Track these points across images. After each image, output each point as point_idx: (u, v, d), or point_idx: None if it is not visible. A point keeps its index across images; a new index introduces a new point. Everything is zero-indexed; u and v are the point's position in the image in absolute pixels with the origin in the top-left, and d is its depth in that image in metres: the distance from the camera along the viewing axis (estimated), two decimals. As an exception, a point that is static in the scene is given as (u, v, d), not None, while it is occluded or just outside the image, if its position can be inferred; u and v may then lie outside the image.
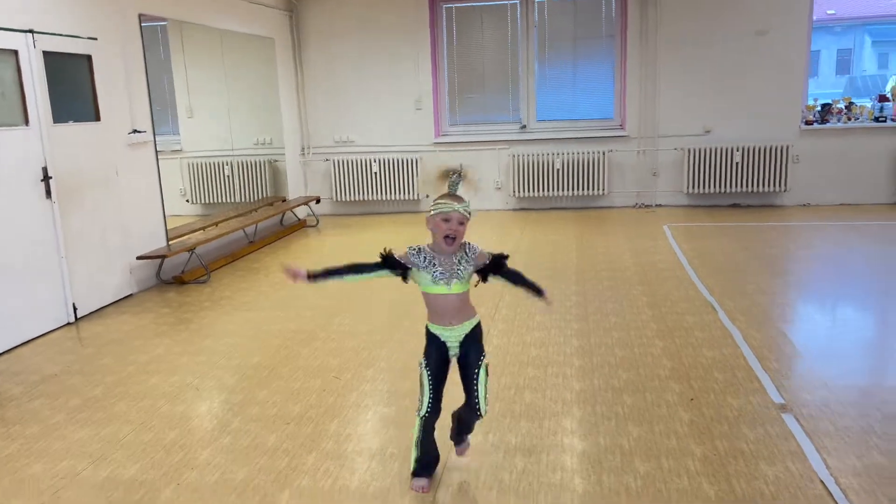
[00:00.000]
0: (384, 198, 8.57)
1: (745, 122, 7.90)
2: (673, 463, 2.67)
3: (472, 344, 2.49)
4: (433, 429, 2.57)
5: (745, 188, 7.93)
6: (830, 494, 2.41)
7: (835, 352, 3.75)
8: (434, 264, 2.40)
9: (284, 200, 8.15)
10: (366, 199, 8.60)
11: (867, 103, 8.02)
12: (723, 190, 7.99)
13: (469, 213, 2.39)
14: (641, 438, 2.86)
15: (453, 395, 2.61)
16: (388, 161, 8.45)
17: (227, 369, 3.79)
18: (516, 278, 2.54)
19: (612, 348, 3.84)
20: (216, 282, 5.70)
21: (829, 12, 28.82)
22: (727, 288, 4.87)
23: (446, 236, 2.36)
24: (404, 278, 2.46)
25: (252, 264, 6.31)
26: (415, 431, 2.56)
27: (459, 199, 2.41)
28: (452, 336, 2.47)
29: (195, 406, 3.37)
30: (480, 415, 2.53)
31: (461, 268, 2.41)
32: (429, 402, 2.49)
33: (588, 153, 8.14)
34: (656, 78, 8.00)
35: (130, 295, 5.36)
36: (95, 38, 5.00)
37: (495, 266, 2.45)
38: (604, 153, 8.13)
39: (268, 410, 3.27)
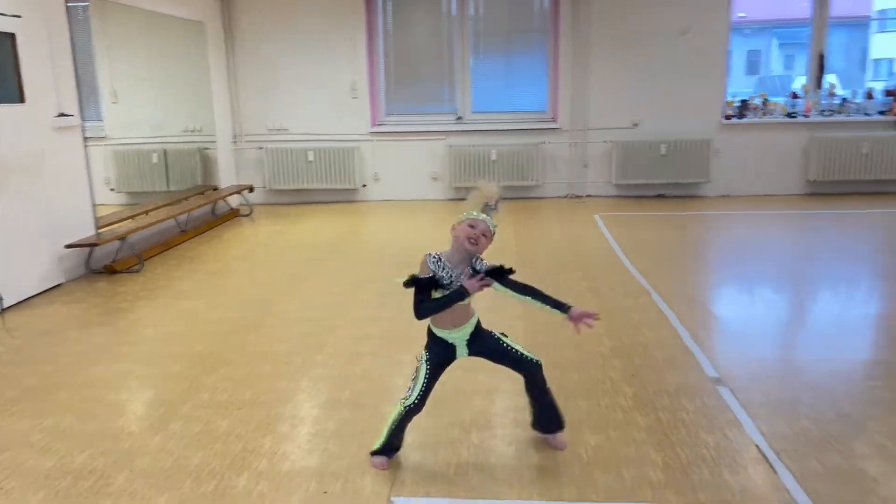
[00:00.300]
0: (320, 186, 8.48)
1: (670, 116, 8.24)
2: (620, 434, 2.81)
3: (479, 336, 2.56)
4: (409, 422, 2.60)
5: (670, 179, 8.28)
6: (765, 457, 2.60)
7: (759, 329, 4.01)
8: (453, 279, 2.42)
9: (216, 189, 7.96)
10: (301, 187, 8.50)
11: (780, 100, 8.51)
12: (649, 181, 8.31)
13: (494, 230, 2.47)
14: (589, 412, 2.99)
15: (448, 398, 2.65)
16: (324, 149, 8.37)
17: (171, 357, 3.70)
18: (526, 290, 2.55)
19: (556, 329, 3.96)
20: (150, 271, 5.53)
21: (739, 14, 30.30)
22: (658, 272, 5.10)
23: (469, 238, 2.39)
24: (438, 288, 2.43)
25: (186, 253, 6.15)
26: (393, 416, 2.58)
27: (490, 212, 2.48)
28: (461, 336, 2.52)
29: (141, 394, 3.29)
30: (537, 361, 2.58)
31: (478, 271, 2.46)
32: (418, 395, 2.52)
33: (522, 145, 8.31)
34: (587, 73, 8.24)
35: (59, 285, 5.14)
36: (19, 16, 4.76)
37: (497, 274, 2.48)
38: (537, 145, 8.31)
39: (218, 396, 3.23)
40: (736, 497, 2.37)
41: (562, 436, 2.71)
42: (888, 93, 8.31)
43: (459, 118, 8.59)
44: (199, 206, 7.03)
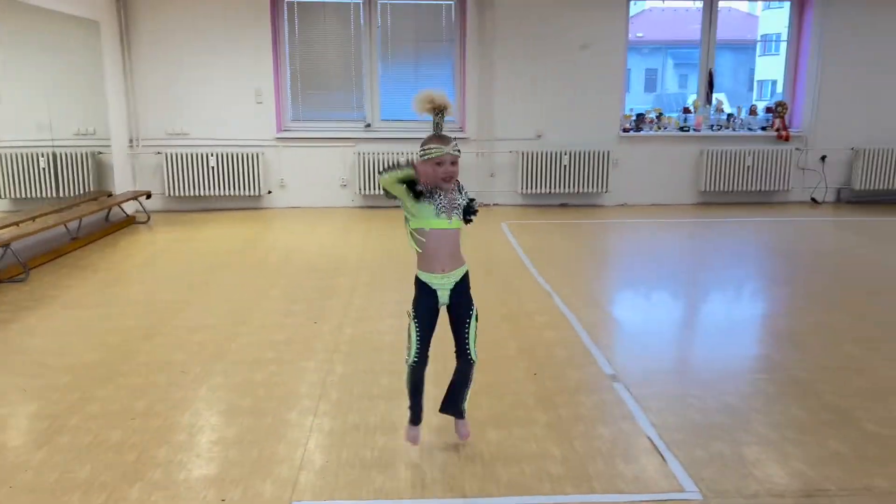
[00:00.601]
0: (223, 193, 8.24)
1: (572, 128, 8.54)
2: (522, 430, 2.88)
3: (463, 293, 2.56)
4: (423, 378, 2.60)
5: (572, 189, 8.57)
6: (656, 448, 2.73)
7: (653, 329, 4.21)
8: (438, 196, 2.44)
9: (110, 195, 7.59)
10: (202, 194, 8.23)
11: (674, 115, 8.99)
12: (553, 190, 8.57)
13: (459, 151, 2.47)
14: (493, 410, 3.05)
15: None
16: (227, 155, 8.15)
17: (58, 368, 3.50)
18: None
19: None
20: (37, 280, 5.21)
21: (637, 35, 31.78)
22: (561, 276, 5.26)
23: (442, 178, 2.41)
24: (417, 196, 2.43)
25: (78, 261, 5.83)
26: (406, 381, 2.62)
27: (446, 139, 2.46)
28: (445, 283, 2.53)
29: (24, 406, 3.09)
30: (472, 360, 2.59)
31: (460, 202, 2.50)
32: (416, 351, 2.53)
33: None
34: (493, 84, 8.42)
35: (-70, 295, 4.76)
36: None
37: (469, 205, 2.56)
38: (445, 153, 8.39)
39: (109, 407, 3.08)
40: (629, 485, 2.48)
41: (465, 426, 2.75)
42: (769, 109, 8.94)
43: (368, 125, 8.58)
44: (91, 212, 6.68)
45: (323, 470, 2.58)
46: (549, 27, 8.32)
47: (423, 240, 2.51)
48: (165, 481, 2.50)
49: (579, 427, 2.90)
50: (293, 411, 3.05)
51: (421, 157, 2.45)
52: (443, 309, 2.60)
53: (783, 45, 9.13)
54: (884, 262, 5.87)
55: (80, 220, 6.55)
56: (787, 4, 8.90)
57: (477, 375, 3.37)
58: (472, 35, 8.29)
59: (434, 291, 2.56)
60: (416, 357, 2.55)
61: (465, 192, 2.59)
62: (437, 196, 2.46)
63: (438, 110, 2.50)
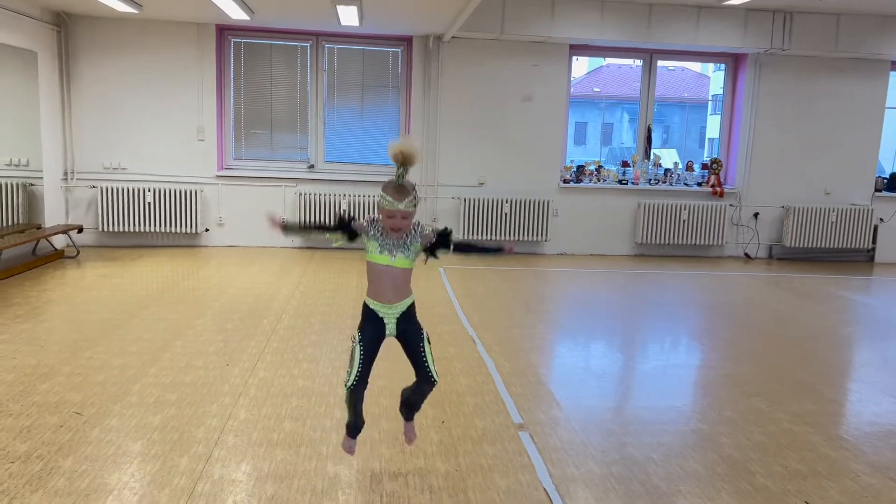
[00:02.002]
0: (159, 230, 8.09)
1: (513, 177, 8.68)
2: (419, 480, 2.82)
3: (410, 320, 2.68)
4: (361, 397, 2.73)
5: (512, 236, 8.65)
6: (550, 499, 2.70)
7: (571, 378, 4.22)
8: (384, 235, 2.56)
9: (39, 227, 7.38)
10: (137, 230, 8.06)
11: (613, 168, 9.21)
12: (493, 237, 8.64)
13: (414, 206, 2.53)
14: (392, 460, 2.99)
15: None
16: (165, 191, 8.03)
17: (-59, 407, 3.32)
18: (469, 248, 2.79)
19: (376, 379, 3.96)
20: (-58, 313, 4.99)
21: (595, 89, 32.80)
22: (488, 323, 5.26)
23: (391, 228, 2.54)
24: (351, 238, 2.64)
25: (-9, 295, 5.61)
26: (346, 399, 2.74)
27: (403, 192, 2.50)
28: (390, 313, 2.64)
29: None
30: (434, 381, 2.73)
31: (407, 243, 2.58)
32: (356, 375, 2.62)
33: (372, 197, 8.40)
34: (437, 131, 8.53)
35: None
36: None
37: (442, 239, 2.66)
38: (388, 197, 8.41)
39: (-12, 450, 2.92)
40: (516, 539, 2.43)
41: (413, 429, 2.95)
42: (704, 166, 9.23)
43: (311, 166, 8.58)
44: (15, 244, 6.47)
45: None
46: (493, 78, 8.50)
47: (369, 272, 2.64)
48: (31, 530, 2.37)
49: (477, 477, 2.86)
50: (184, 457, 2.94)
51: (379, 201, 2.56)
52: (396, 343, 2.72)
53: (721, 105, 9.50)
54: (802, 317, 6.03)
55: (1, 252, 6.33)
56: (723, 66, 9.30)
57: (381, 423, 3.35)
58: (418, 82, 8.43)
59: (381, 319, 2.65)
60: (355, 380, 2.63)
61: (422, 229, 2.64)
62: (384, 235, 2.57)
63: (403, 163, 2.53)
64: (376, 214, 2.60)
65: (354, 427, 2.81)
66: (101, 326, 4.80)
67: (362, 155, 8.75)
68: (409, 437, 2.97)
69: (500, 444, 3.18)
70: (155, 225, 8.06)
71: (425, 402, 2.93)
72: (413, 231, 2.60)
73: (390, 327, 2.65)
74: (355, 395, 2.70)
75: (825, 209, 8.98)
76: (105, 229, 8.00)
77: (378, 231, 2.57)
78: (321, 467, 2.90)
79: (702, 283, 7.49)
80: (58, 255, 7.38)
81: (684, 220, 8.87)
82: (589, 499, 2.72)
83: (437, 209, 8.67)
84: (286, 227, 2.75)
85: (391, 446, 3.11)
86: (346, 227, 2.64)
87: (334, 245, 2.73)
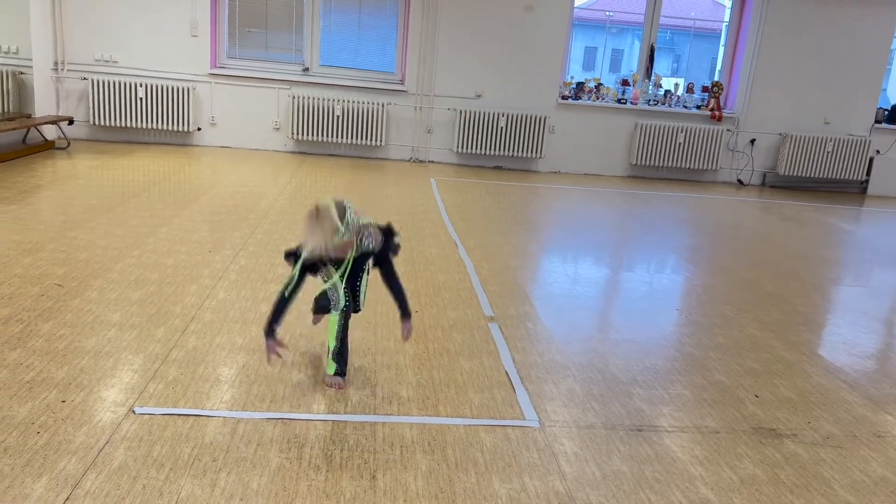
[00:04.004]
0: (150, 126, 8.03)
1: (511, 91, 8.55)
2: (386, 359, 2.92)
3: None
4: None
5: (507, 152, 8.61)
6: (510, 381, 2.81)
7: (546, 281, 4.30)
8: (326, 265, 2.60)
9: (29, 117, 7.32)
10: (128, 125, 7.99)
11: (612, 86, 9.07)
12: (488, 152, 8.60)
13: (347, 236, 2.46)
14: (364, 340, 3.09)
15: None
16: (157, 87, 7.92)
17: (-74, 273, 3.40)
18: (395, 287, 2.71)
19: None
20: (-71, 192, 5.02)
21: (607, 13, 31.83)
22: (473, 230, 5.31)
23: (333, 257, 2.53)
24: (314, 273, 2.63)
25: (-20, 178, 5.63)
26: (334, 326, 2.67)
27: (335, 233, 2.43)
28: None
29: None
30: (344, 309, 2.66)
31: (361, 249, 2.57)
32: (345, 300, 2.64)
33: (368, 103, 8.30)
34: (436, 39, 8.35)
35: None
36: None
37: (385, 251, 2.67)
38: (383, 105, 8.33)
39: (-30, 312, 3.01)
40: (473, 411, 2.55)
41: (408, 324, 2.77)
42: (705, 89, 9.09)
43: (306, 69, 8.43)
44: (5, 130, 6.43)
45: (174, 382, 2.59)
46: (495, -14, 8.26)
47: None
48: (8, 381, 2.47)
49: (443, 359, 2.96)
50: (161, 328, 3.04)
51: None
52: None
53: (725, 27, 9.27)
54: (785, 239, 6.09)
55: (-10, 137, 6.30)
56: (733, -14, 9.03)
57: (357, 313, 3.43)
58: (418, -14, 8.18)
59: None
60: (346, 303, 2.66)
61: (373, 242, 2.60)
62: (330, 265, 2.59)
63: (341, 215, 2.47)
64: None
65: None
66: (88, 211, 4.84)
67: (358, 60, 8.59)
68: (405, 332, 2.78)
69: (468, 332, 3.27)
70: (147, 121, 7.99)
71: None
72: (361, 240, 2.54)
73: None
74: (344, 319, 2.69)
75: (822, 138, 8.90)
76: (96, 123, 7.93)
77: (327, 265, 2.58)
78: (293, 343, 2.99)
79: (692, 205, 7.51)
80: (48, 146, 7.35)
81: (680, 143, 8.80)
82: (547, 382, 2.82)
83: (432, 120, 8.58)
84: (272, 329, 2.52)
85: (365, 329, 3.20)
86: (304, 266, 2.53)
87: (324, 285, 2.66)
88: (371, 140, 8.39)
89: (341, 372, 2.68)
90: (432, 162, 8.69)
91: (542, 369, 2.94)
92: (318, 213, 2.44)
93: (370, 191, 6.53)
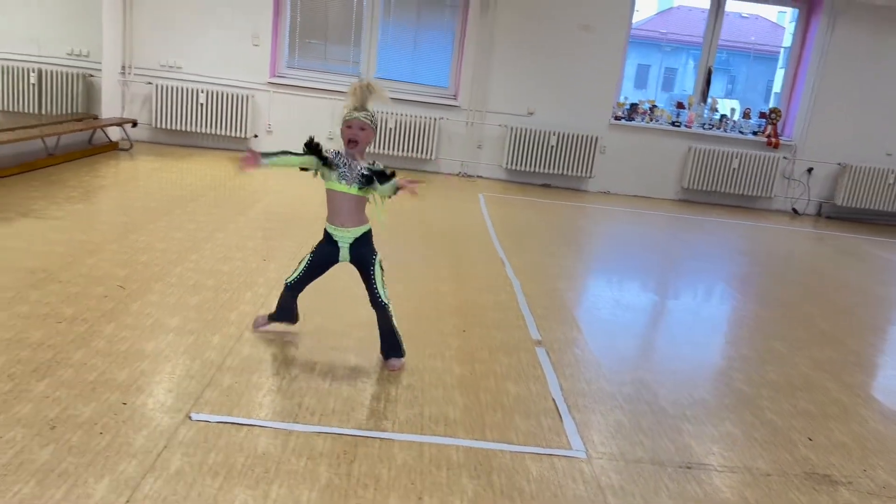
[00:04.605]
0: (209, 131, 8.25)
1: (564, 109, 8.54)
2: (434, 378, 2.95)
3: (364, 246, 2.92)
4: (294, 298, 3.08)
5: (556, 170, 8.59)
6: (557, 408, 2.81)
7: (593, 305, 4.28)
8: (343, 164, 2.82)
9: (96, 118, 7.60)
10: (188, 129, 8.24)
11: (667, 109, 8.98)
12: (537, 169, 8.59)
13: (371, 120, 2.80)
14: (411, 357, 3.11)
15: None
16: (217, 94, 8.15)
17: (-2, 269, 3.56)
18: (383, 178, 2.88)
19: (405, 283, 4.09)
20: (3, 188, 5.25)
21: (662, 31, 31.49)
22: (519, 248, 5.32)
23: (349, 140, 2.79)
24: (319, 170, 2.88)
25: (50, 176, 5.86)
26: (280, 296, 3.09)
27: (363, 108, 2.78)
28: (344, 237, 2.89)
29: (-46, 299, 3.15)
30: (383, 304, 2.92)
31: (360, 172, 2.82)
32: (296, 277, 2.99)
33: (421, 117, 8.39)
34: (491, 55, 8.40)
35: None
36: None
37: (378, 176, 2.84)
38: (435, 119, 8.41)
39: (39, 309, 3.14)
40: (519, 437, 2.55)
41: (395, 361, 2.98)
42: (762, 115, 8.93)
43: (361, 82, 8.56)
44: (72, 131, 6.70)
45: (228, 389, 2.66)
46: (554, 4, 8.27)
47: (329, 198, 2.90)
48: (73, 380, 2.57)
49: (489, 381, 2.97)
50: (216, 335, 3.12)
51: (342, 113, 2.83)
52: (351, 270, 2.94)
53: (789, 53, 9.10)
54: (840, 273, 5.93)
55: (59, 137, 6.57)
56: (796, 12, 8.86)
57: (406, 325, 3.47)
58: (475, 3, 8.25)
59: (335, 242, 2.91)
60: (293, 279, 3.01)
61: (374, 164, 2.86)
62: (342, 164, 2.83)
63: (361, 94, 2.81)
64: (340, 148, 2.84)
65: (278, 314, 3.14)
66: (148, 213, 5.00)
67: (413, 74, 8.69)
68: (390, 367, 2.97)
69: (515, 355, 3.28)
70: (206, 126, 8.22)
71: (399, 335, 2.97)
72: (371, 165, 2.84)
73: (343, 252, 2.91)
74: (288, 295, 3.05)
75: (884, 170, 8.65)
76: (158, 126, 8.20)
77: (338, 158, 2.82)
78: (342, 357, 3.04)
79: (744, 232, 7.37)
80: (112, 147, 7.62)
81: (734, 169, 8.66)
82: (595, 412, 2.81)
83: (483, 136, 8.63)
84: (265, 155, 2.84)
85: (412, 344, 3.23)
86: (314, 149, 2.83)
87: (303, 170, 2.93)
88: (421, 153, 8.46)
89: (271, 316, 3.15)
90: (480, 177, 8.72)
91: (589, 398, 2.93)
92: (366, 84, 2.80)
93: (421, 203, 6.58)
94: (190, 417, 2.43)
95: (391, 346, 3.00)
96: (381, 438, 2.44)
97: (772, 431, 2.82)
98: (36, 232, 4.27)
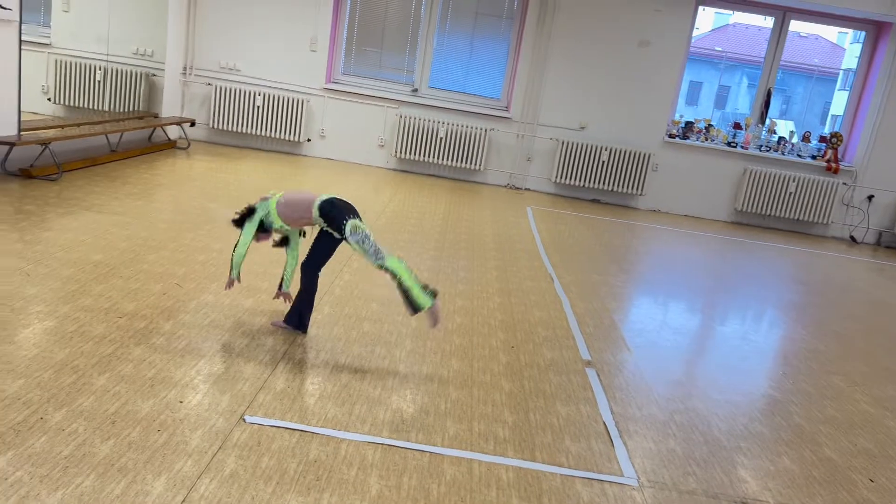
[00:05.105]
0: (264, 134, 8.41)
1: (617, 124, 8.46)
2: (483, 393, 2.93)
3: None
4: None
5: (606, 186, 8.50)
6: (608, 432, 2.76)
7: (644, 327, 4.20)
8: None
9: (157, 117, 7.81)
10: (244, 131, 8.40)
11: (723, 129, 8.81)
12: (587, 184, 8.52)
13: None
14: (460, 371, 3.11)
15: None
16: (274, 97, 8.30)
17: (64, 261, 3.67)
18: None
19: (454, 297, 4.09)
20: (68, 182, 5.43)
21: (716, 49, 30.98)
22: (568, 265, 5.27)
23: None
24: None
25: (111, 172, 6.04)
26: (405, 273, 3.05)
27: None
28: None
29: (23, 288, 3.26)
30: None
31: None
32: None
33: (472, 128, 8.40)
34: (545, 68, 8.37)
35: (-33, 178, 5.00)
36: None
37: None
38: (486, 130, 8.41)
39: (101, 303, 3.23)
40: (570, 461, 2.52)
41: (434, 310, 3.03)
42: (823, 139, 8.70)
43: (415, 90, 8.63)
44: (134, 128, 6.89)
45: (281, 394, 2.68)
46: (612, 19, 8.22)
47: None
48: (132, 376, 2.63)
49: (539, 401, 2.94)
50: (270, 338, 3.16)
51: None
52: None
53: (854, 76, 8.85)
54: (904, 308, 5.72)
55: (122, 134, 6.77)
56: (863, 34, 8.63)
57: (453, 338, 3.46)
58: (533, 16, 8.24)
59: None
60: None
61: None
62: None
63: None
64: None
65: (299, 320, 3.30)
66: (204, 213, 5.11)
67: (465, 84, 8.72)
68: (433, 320, 3.06)
69: (565, 375, 3.24)
70: (261, 129, 8.37)
71: (407, 284, 3.01)
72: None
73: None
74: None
75: (950, 201, 8.34)
76: (215, 126, 8.38)
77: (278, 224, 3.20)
78: (393, 367, 3.05)
79: (799, 259, 7.18)
80: (170, 145, 7.81)
81: (791, 193, 8.45)
82: (647, 438, 2.76)
83: (533, 149, 8.59)
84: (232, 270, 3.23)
85: (461, 360, 3.22)
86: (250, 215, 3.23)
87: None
88: (470, 164, 8.47)
89: (434, 295, 3.03)
90: (528, 190, 8.69)
91: (641, 423, 2.87)
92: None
93: (469, 213, 6.58)
94: (244, 419, 2.46)
95: (407, 301, 3.04)
96: (430, 452, 2.43)
97: (831, 470, 2.73)
98: (99, 226, 4.40)
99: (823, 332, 4.64)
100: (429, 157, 8.46)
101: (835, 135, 8.55)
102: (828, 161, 8.50)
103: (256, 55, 8.33)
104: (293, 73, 8.37)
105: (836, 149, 8.51)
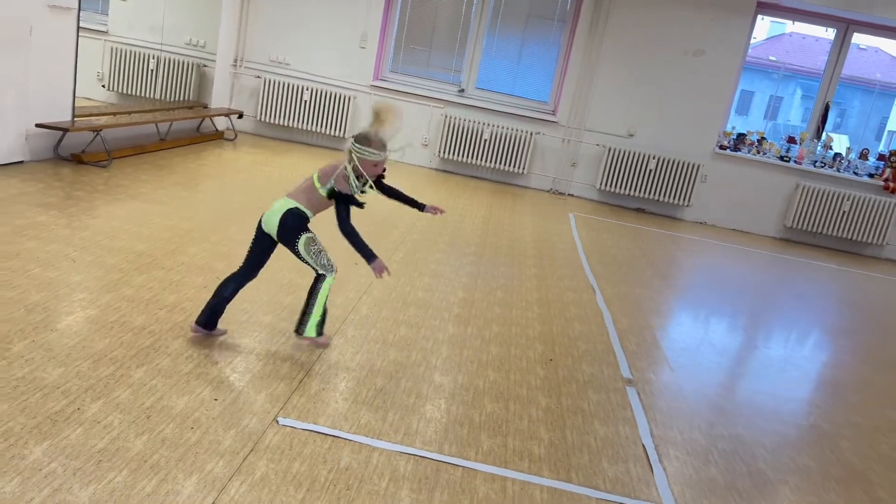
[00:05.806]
0: (309, 128, 8.45)
1: (666, 133, 8.28)
2: (519, 408, 2.86)
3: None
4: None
5: (652, 196, 8.33)
6: (647, 456, 2.67)
7: (688, 347, 4.08)
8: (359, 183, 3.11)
9: (206, 107, 7.90)
10: (290, 125, 8.45)
11: (776, 142, 8.56)
12: (632, 193, 8.36)
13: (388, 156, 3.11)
14: (496, 383, 3.04)
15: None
16: (321, 92, 8.33)
17: (109, 249, 3.71)
18: (392, 194, 3.51)
19: (492, 305, 4.02)
20: (117, 169, 5.51)
21: (770, 58, 30.25)
22: (611, 277, 5.16)
23: (379, 174, 3.17)
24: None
25: (159, 160, 6.12)
26: (326, 292, 2.98)
27: (385, 145, 3.08)
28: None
29: (68, 275, 3.30)
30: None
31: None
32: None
33: (517, 130, 8.31)
34: (595, 73, 8.23)
35: (22, 162, 5.11)
36: None
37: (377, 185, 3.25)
38: (531, 134, 8.31)
39: (142, 294, 3.25)
40: (607, 484, 2.43)
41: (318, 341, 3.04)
42: (881, 157, 8.38)
43: (461, 91, 8.57)
44: (184, 118, 6.98)
45: (315, 396, 2.66)
46: (665, 26, 8.04)
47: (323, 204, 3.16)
48: (170, 370, 2.63)
49: (577, 419, 2.86)
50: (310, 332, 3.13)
51: (365, 155, 3.00)
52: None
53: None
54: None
55: (171, 123, 6.86)
56: (930, 50, 8.28)
57: (490, 347, 3.40)
58: (585, 18, 8.11)
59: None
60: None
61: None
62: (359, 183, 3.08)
63: (379, 121, 3.06)
64: (346, 171, 3.00)
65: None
66: (247, 206, 5.13)
67: (513, 86, 8.63)
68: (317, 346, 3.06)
69: (604, 393, 3.15)
70: (307, 123, 8.42)
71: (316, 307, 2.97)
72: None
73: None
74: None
75: None
76: (262, 119, 8.45)
77: (355, 185, 3.05)
78: (429, 374, 3.00)
79: (851, 281, 6.92)
80: (218, 136, 7.89)
81: (845, 212, 8.16)
82: (687, 465, 2.66)
83: (579, 154, 8.46)
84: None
85: (497, 370, 3.16)
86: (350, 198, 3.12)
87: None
88: (514, 167, 8.38)
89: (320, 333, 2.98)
90: (572, 195, 8.56)
91: (682, 449, 2.77)
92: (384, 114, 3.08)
93: (510, 217, 6.50)
94: (277, 421, 2.43)
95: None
96: (463, 467, 2.38)
97: (883, 512, 2.59)
98: (143, 216, 4.45)
99: (876, 360, 4.45)
100: (472, 158, 8.39)
101: (894, 153, 8.23)
102: (885, 180, 8.19)
103: (306, 50, 8.37)
104: (342, 69, 8.38)
105: (895, 167, 8.19)
